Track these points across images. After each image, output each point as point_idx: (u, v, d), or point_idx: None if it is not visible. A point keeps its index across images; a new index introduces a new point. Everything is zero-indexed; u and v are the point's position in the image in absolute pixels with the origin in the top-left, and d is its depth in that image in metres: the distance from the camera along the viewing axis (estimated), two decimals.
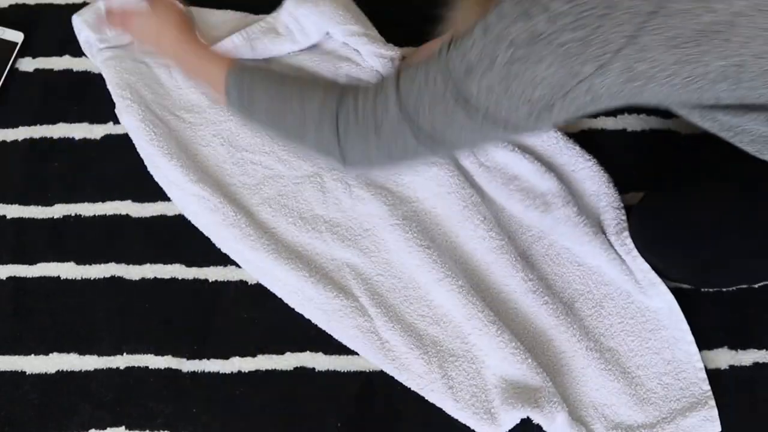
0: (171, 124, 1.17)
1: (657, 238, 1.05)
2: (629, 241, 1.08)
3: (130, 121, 1.16)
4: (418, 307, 1.10)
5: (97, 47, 1.19)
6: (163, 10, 1.08)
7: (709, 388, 1.07)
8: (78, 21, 1.18)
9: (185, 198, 1.14)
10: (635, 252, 1.08)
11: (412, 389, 1.07)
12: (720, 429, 1.05)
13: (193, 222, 1.15)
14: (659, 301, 1.09)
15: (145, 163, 1.16)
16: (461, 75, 0.65)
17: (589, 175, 1.14)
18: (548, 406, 1.02)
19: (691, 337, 1.08)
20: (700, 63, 0.61)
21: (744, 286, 1.11)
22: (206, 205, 1.12)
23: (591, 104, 0.65)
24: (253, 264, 1.12)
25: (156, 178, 1.16)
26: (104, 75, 1.19)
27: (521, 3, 0.61)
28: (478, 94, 0.64)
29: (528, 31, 0.60)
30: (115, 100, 1.17)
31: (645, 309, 1.10)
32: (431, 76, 0.67)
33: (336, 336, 1.10)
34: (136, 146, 1.17)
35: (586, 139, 1.18)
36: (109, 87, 1.18)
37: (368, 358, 1.09)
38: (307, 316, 1.11)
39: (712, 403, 1.06)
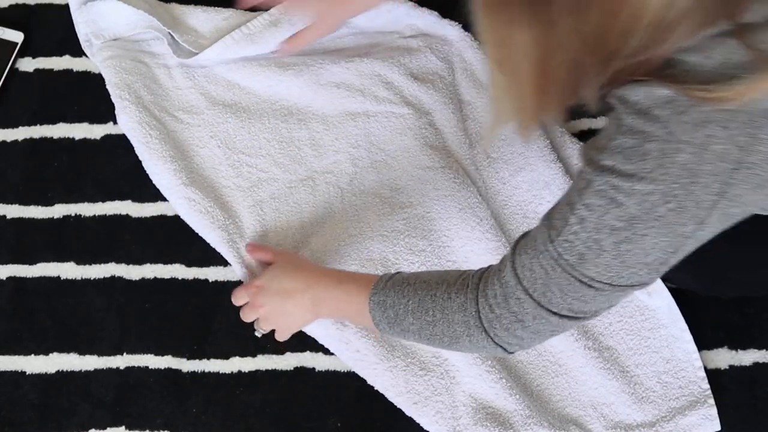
0: (168, 125, 1.17)
1: None
2: None
3: (126, 122, 1.16)
4: None
5: (97, 45, 1.19)
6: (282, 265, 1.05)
7: (708, 386, 1.07)
8: (77, 14, 1.18)
9: (176, 201, 1.14)
10: None
11: None
12: (719, 428, 1.05)
13: (188, 223, 1.15)
14: (658, 300, 1.09)
15: (143, 164, 1.16)
16: (576, 262, 0.69)
17: None
18: (523, 429, 1.03)
19: (689, 336, 1.08)
20: None
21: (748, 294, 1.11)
22: (196, 207, 1.12)
23: (697, 245, 0.69)
24: (237, 268, 1.12)
25: (152, 179, 1.16)
26: (103, 74, 1.18)
27: (604, 193, 0.64)
28: (598, 274, 0.69)
29: (623, 217, 0.64)
30: (113, 101, 1.17)
31: (644, 308, 1.10)
32: (548, 267, 0.71)
33: (318, 340, 1.10)
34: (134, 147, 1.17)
35: (586, 139, 1.18)
36: (108, 87, 1.18)
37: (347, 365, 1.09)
38: None
39: (712, 401, 1.06)
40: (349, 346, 1.08)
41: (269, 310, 1.03)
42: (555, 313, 0.74)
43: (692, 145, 0.61)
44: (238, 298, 1.07)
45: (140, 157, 1.16)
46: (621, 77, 0.63)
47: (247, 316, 1.06)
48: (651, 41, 0.58)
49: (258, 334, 1.08)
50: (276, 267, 1.05)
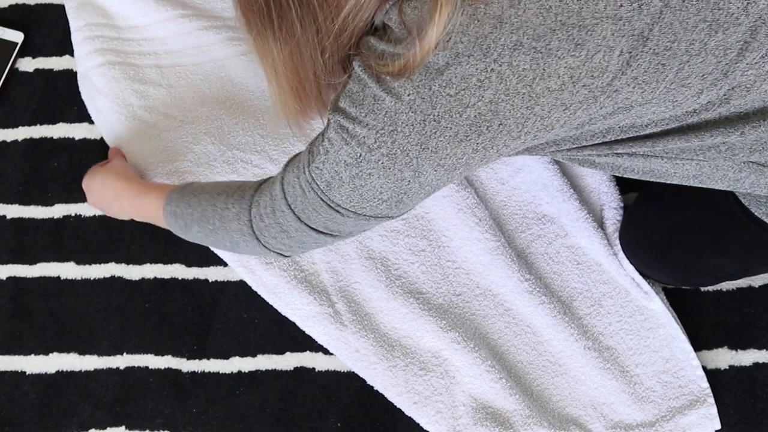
0: (160, 125, 1.17)
1: (632, 243, 1.07)
2: (618, 242, 1.09)
3: (110, 133, 1.17)
4: (393, 318, 1.10)
5: (87, 50, 1.19)
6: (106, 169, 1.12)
7: (707, 385, 1.07)
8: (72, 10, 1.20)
9: None
10: (622, 254, 1.09)
11: None
12: (719, 426, 1.05)
13: None
14: (655, 302, 1.10)
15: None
16: (325, 188, 0.75)
17: (590, 173, 1.15)
18: (523, 429, 1.03)
19: (684, 336, 1.08)
20: (496, 145, 0.69)
21: (730, 284, 1.12)
22: None
23: (436, 189, 0.75)
24: (237, 266, 1.12)
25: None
26: (95, 84, 1.19)
27: (337, 131, 0.71)
28: (343, 202, 0.75)
29: (352, 155, 0.71)
30: (91, 112, 1.19)
31: (643, 307, 1.10)
32: (305, 188, 0.77)
33: (317, 340, 1.10)
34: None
35: None
36: (85, 97, 1.19)
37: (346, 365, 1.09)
38: (290, 318, 1.11)
39: (711, 401, 1.06)
40: (349, 346, 1.08)
41: (91, 200, 1.12)
42: (313, 229, 0.79)
43: (391, 94, 0.66)
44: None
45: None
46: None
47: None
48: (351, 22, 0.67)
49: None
50: (104, 170, 1.11)
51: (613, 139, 0.74)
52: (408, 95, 0.65)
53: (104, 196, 1.09)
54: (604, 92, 0.66)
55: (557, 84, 0.64)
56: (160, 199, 0.98)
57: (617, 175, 0.86)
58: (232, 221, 0.86)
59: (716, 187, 0.80)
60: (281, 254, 0.87)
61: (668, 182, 0.81)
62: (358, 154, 0.70)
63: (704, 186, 0.80)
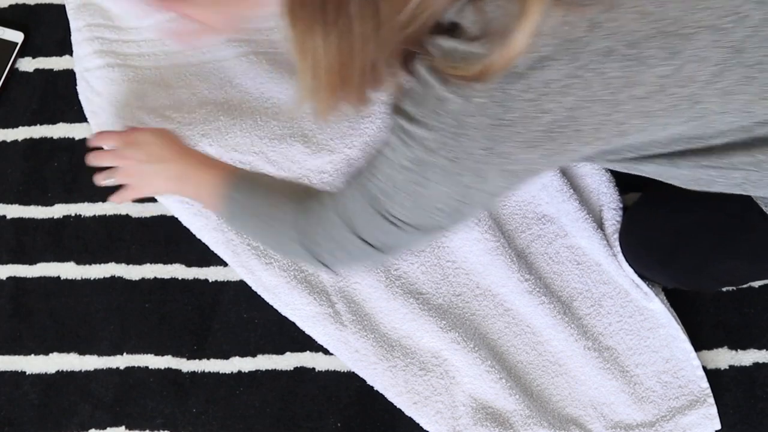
0: (159, 126, 1.17)
1: (633, 245, 1.06)
2: (617, 243, 1.09)
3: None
4: (393, 318, 1.10)
5: (87, 51, 1.19)
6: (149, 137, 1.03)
7: (707, 385, 1.07)
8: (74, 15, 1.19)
9: (171, 204, 1.14)
10: (621, 256, 1.08)
11: None
12: (719, 427, 1.05)
13: (186, 225, 1.15)
14: (655, 302, 1.10)
15: None
16: (382, 199, 0.73)
17: (590, 173, 1.14)
18: (523, 429, 1.03)
19: (684, 336, 1.08)
20: (566, 151, 0.66)
21: (731, 288, 1.11)
22: (190, 210, 1.13)
23: (495, 196, 0.72)
24: (237, 267, 1.12)
25: None
26: (93, 87, 1.19)
27: (398, 133, 0.68)
28: (399, 213, 0.73)
29: (412, 159, 0.68)
30: (87, 114, 1.18)
31: (643, 308, 1.10)
32: (359, 200, 0.75)
33: (317, 340, 1.10)
34: None
35: None
36: (82, 98, 1.19)
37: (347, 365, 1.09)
38: (291, 318, 1.11)
39: (711, 401, 1.06)
40: (348, 346, 1.08)
41: (133, 165, 1.01)
42: (366, 242, 0.77)
43: (458, 95, 0.63)
44: (102, 139, 1.05)
45: None
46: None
47: (103, 159, 1.03)
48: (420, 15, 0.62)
49: (103, 183, 1.03)
50: (154, 133, 1.04)
51: (676, 150, 0.72)
52: (479, 98, 0.62)
53: (160, 158, 0.99)
54: (686, 101, 0.64)
55: (643, 92, 0.62)
56: (224, 179, 0.93)
57: (659, 179, 0.82)
58: (291, 230, 0.84)
59: (758, 194, 0.78)
60: (330, 268, 0.84)
61: (710, 191, 0.78)
62: (419, 157, 0.67)
63: (746, 194, 0.78)
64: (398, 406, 1.07)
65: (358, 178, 0.76)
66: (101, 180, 1.03)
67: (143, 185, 1.03)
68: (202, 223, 1.12)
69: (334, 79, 0.68)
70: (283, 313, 1.10)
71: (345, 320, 1.09)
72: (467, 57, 0.61)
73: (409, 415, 1.07)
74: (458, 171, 0.67)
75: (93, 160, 1.04)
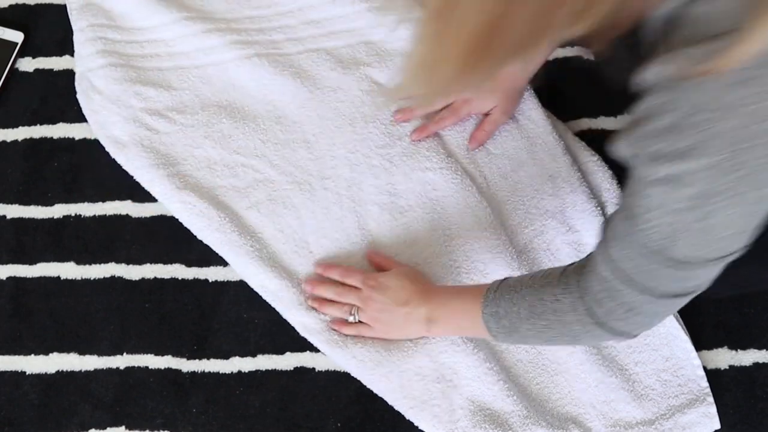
0: (161, 128, 1.17)
1: None
2: None
3: (106, 134, 1.17)
4: None
5: (90, 51, 1.19)
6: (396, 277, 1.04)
7: (707, 384, 1.07)
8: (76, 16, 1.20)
9: (172, 205, 1.15)
10: None
11: None
12: (719, 426, 1.05)
13: (186, 226, 1.15)
14: None
15: (135, 176, 1.17)
16: (665, 246, 0.67)
17: (593, 170, 1.15)
18: (521, 429, 1.03)
19: (685, 335, 1.08)
20: None
21: (734, 293, 1.11)
22: (192, 210, 1.13)
23: None
24: (238, 268, 1.12)
25: (145, 187, 1.17)
26: (96, 86, 1.19)
27: (660, 183, 0.63)
28: (687, 253, 0.67)
29: (689, 196, 0.62)
30: (86, 112, 1.19)
31: None
32: (636, 257, 0.70)
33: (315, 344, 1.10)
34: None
35: (587, 139, 1.18)
36: (82, 97, 1.19)
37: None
38: (291, 322, 1.11)
39: (711, 399, 1.06)
40: (345, 352, 1.07)
41: (379, 308, 1.03)
42: (662, 296, 0.73)
43: (718, 110, 0.58)
44: (328, 272, 1.08)
45: (126, 169, 1.17)
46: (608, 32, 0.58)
47: (346, 297, 1.05)
48: None
49: (351, 319, 1.06)
50: (398, 273, 1.05)
51: None
52: (747, 106, 0.57)
53: (407, 302, 1.00)
54: None
55: None
56: (476, 301, 0.90)
57: None
58: (568, 313, 0.80)
59: None
60: (630, 334, 0.80)
61: None
62: (698, 193, 0.62)
63: None
64: (397, 409, 1.07)
65: (626, 236, 0.71)
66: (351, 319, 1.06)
67: (385, 331, 1.04)
68: (204, 224, 1.12)
69: (472, 47, 0.54)
70: (285, 317, 1.10)
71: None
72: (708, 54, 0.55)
73: (408, 418, 1.06)
74: (742, 190, 0.61)
75: (314, 290, 1.06)
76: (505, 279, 0.92)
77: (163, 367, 1.10)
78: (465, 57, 0.54)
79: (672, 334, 1.09)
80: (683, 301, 0.75)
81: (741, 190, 0.61)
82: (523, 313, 0.85)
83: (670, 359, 1.08)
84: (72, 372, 1.10)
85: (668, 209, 0.65)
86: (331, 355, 1.08)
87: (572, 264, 0.83)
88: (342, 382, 1.09)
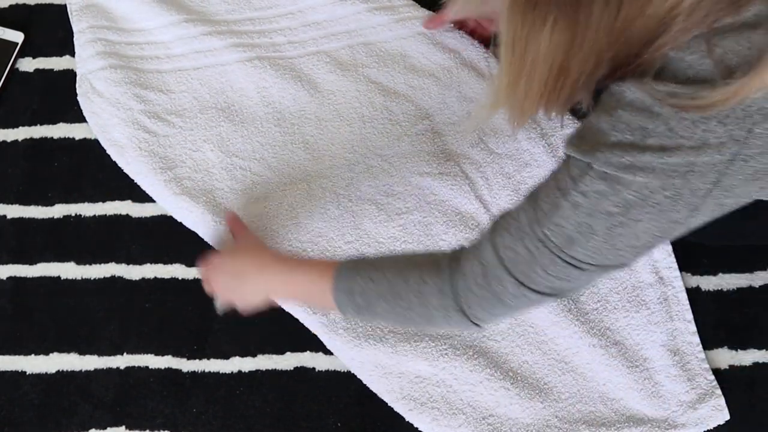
0: (159, 130, 1.17)
1: None
2: None
3: (106, 136, 1.17)
4: (389, 324, 1.09)
5: (90, 52, 1.20)
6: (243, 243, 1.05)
7: (713, 377, 1.07)
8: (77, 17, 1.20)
9: (171, 209, 1.15)
10: None
11: None
12: (729, 417, 1.06)
13: (185, 225, 1.15)
14: (669, 288, 1.10)
15: (135, 179, 1.17)
16: (563, 244, 0.70)
17: None
18: None
19: (693, 328, 1.09)
20: None
21: (730, 283, 1.12)
22: (189, 216, 1.14)
23: (685, 231, 0.70)
24: None
25: (145, 189, 1.17)
26: (96, 88, 1.19)
27: (602, 182, 0.66)
28: (586, 256, 0.70)
29: (620, 204, 0.65)
30: (86, 114, 1.19)
31: (650, 302, 1.10)
32: (533, 248, 0.71)
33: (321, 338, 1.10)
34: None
35: None
36: (82, 99, 1.19)
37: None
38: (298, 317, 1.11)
39: (719, 392, 1.06)
40: (344, 354, 1.08)
41: (222, 288, 1.02)
42: (536, 291, 0.75)
43: (691, 140, 0.62)
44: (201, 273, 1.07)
45: (127, 172, 1.17)
46: (617, 74, 0.65)
47: (206, 290, 1.05)
48: (653, 36, 0.60)
49: (219, 312, 1.06)
50: (237, 249, 1.05)
51: None
52: (716, 138, 0.61)
53: (242, 274, 0.99)
54: None
55: None
56: (327, 275, 0.89)
57: None
58: (433, 296, 0.80)
59: None
60: (480, 326, 0.81)
61: None
62: (629, 202, 0.65)
63: None
64: (396, 411, 1.07)
65: (522, 228, 0.72)
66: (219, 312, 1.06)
67: (241, 305, 1.02)
68: (201, 228, 1.13)
69: (547, 79, 0.65)
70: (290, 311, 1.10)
71: (338, 327, 1.08)
72: (697, 93, 0.60)
73: (408, 420, 1.06)
74: (676, 208, 0.65)
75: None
76: (363, 258, 0.91)
77: (163, 367, 1.10)
78: (544, 87, 0.66)
79: (678, 329, 1.09)
80: (549, 301, 0.77)
81: (670, 209, 0.65)
82: (383, 291, 0.84)
83: (678, 354, 1.08)
84: (72, 372, 1.10)
85: (592, 209, 0.67)
86: (332, 348, 1.09)
87: (444, 251, 0.83)
88: (342, 382, 1.09)
